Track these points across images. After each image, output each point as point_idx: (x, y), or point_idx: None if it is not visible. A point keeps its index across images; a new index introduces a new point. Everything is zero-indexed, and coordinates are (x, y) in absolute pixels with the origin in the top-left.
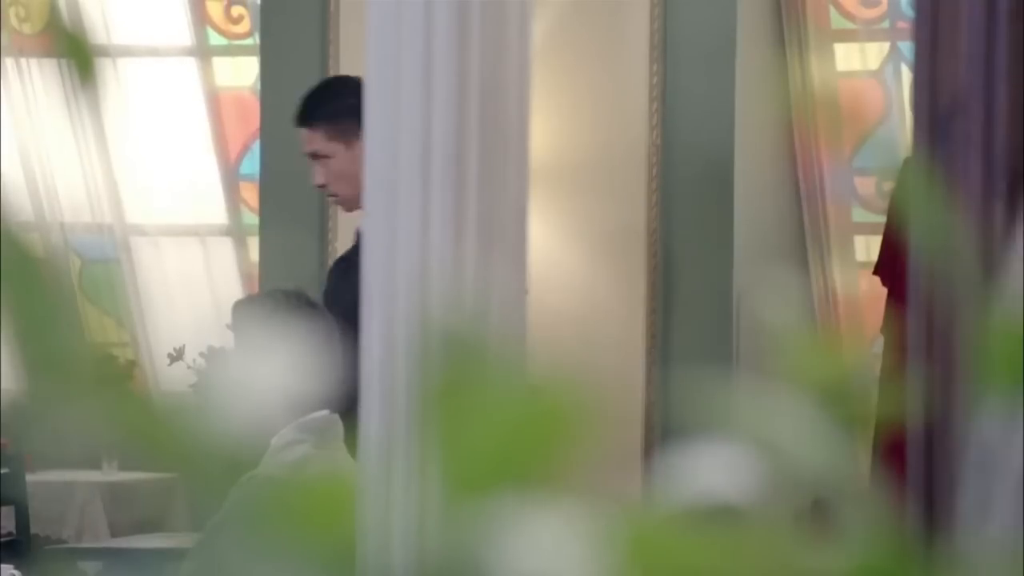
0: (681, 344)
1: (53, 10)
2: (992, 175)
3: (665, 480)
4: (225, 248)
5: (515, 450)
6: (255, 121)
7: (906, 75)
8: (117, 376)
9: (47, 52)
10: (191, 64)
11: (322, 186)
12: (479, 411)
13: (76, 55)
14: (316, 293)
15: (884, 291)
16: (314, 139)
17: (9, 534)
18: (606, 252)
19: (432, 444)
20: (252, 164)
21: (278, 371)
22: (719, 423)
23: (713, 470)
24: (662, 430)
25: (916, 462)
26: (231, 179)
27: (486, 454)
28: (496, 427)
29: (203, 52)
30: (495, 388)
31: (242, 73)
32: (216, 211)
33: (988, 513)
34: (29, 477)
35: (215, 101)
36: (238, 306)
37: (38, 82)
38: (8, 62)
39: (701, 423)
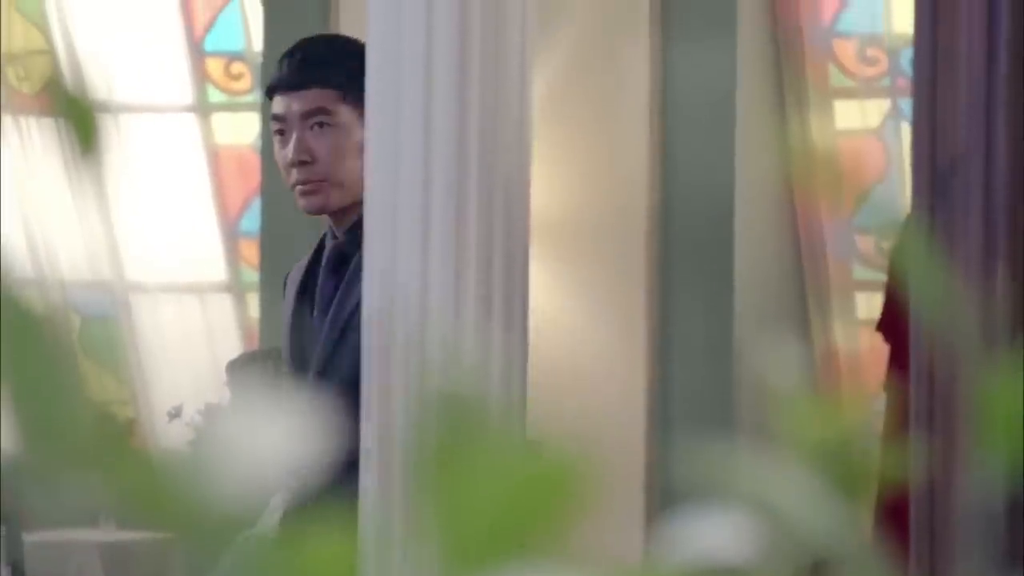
0: (681, 402)
1: (53, 71)
2: (992, 233)
3: (666, 542)
4: (225, 305)
5: (515, 514)
6: (255, 178)
7: (906, 133)
8: (116, 434)
9: (46, 112)
10: (191, 120)
11: (303, 163)
12: (477, 474)
13: (77, 118)
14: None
15: (886, 348)
16: (320, 97)
17: None
18: (606, 310)
19: (430, 507)
20: (252, 221)
21: (275, 430)
22: (720, 484)
23: (714, 532)
24: (663, 491)
25: (918, 522)
26: (231, 236)
27: (485, 518)
28: (495, 490)
29: (203, 108)
30: (494, 450)
31: (242, 130)
32: (216, 268)
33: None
34: (25, 537)
35: (215, 157)
36: (232, 364)
37: (37, 141)
38: (7, 121)
39: (702, 484)
